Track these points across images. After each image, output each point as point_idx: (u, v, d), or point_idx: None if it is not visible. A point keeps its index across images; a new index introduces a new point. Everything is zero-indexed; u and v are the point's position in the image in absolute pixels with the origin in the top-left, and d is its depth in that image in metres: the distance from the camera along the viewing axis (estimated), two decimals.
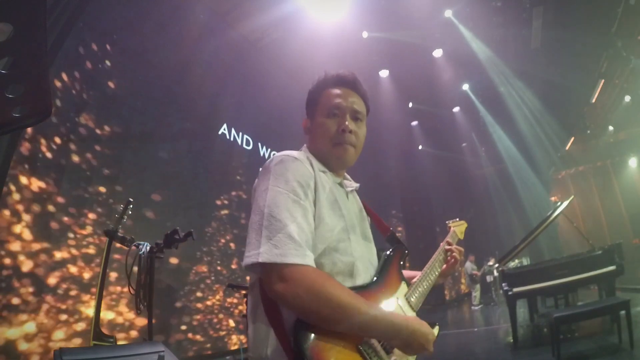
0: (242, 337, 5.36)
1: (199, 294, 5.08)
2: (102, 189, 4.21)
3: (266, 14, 6.12)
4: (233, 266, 5.69)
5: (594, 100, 9.97)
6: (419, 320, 0.94)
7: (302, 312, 0.81)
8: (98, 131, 4.28)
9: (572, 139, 12.54)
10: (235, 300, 5.50)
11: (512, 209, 14.78)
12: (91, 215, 4.05)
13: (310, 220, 0.90)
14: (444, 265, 1.28)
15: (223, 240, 5.69)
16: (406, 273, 1.18)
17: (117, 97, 4.57)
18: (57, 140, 3.85)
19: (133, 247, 2.68)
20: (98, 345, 2.40)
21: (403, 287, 1.07)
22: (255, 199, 0.92)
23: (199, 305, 5.05)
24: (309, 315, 0.80)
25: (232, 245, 5.77)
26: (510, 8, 7.08)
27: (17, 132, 3.34)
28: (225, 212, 5.84)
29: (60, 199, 3.79)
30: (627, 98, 9.37)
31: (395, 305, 1.00)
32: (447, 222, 1.54)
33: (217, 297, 5.34)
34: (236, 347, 5.24)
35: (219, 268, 5.49)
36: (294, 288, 0.79)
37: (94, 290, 3.58)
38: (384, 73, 8.87)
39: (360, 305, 0.83)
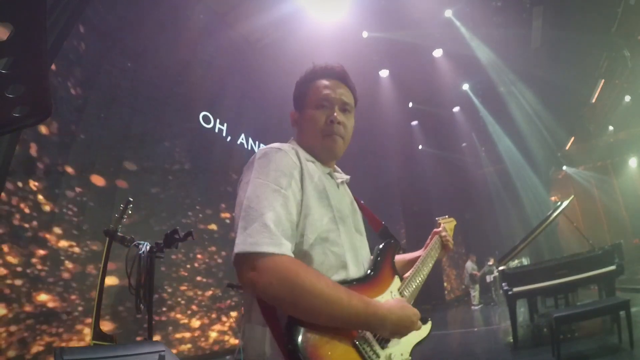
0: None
1: (197, 292, 5.08)
2: (101, 189, 4.21)
3: (266, 14, 6.12)
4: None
5: (594, 100, 9.97)
6: (400, 304, 0.92)
7: (278, 303, 0.79)
8: (98, 131, 4.28)
9: (572, 139, 12.53)
10: (235, 300, 5.50)
11: (512, 209, 14.77)
12: (91, 214, 4.05)
13: (292, 209, 0.87)
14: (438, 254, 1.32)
15: (222, 236, 5.69)
16: (401, 257, 1.20)
17: (117, 97, 4.57)
18: (56, 140, 3.85)
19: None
20: (98, 344, 2.40)
21: (396, 281, 1.07)
22: (238, 193, 0.91)
23: (198, 303, 5.05)
24: (286, 306, 0.78)
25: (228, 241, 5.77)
26: (510, 8, 7.08)
27: (17, 132, 3.34)
28: (224, 210, 5.83)
29: (60, 199, 3.79)
30: (627, 98, 9.36)
31: (389, 299, 0.99)
32: (436, 218, 1.55)
33: (216, 295, 5.34)
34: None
35: (216, 266, 5.49)
36: (266, 277, 0.76)
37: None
38: (384, 73, 8.86)
39: (340, 295, 0.80)
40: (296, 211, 0.89)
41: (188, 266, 5.05)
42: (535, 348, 4.33)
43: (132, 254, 2.64)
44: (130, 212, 2.81)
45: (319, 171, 1.01)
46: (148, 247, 2.61)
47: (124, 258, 2.61)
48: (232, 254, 0.81)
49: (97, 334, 2.45)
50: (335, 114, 1.03)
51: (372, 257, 1.08)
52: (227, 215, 5.88)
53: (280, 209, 0.85)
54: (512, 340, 4.52)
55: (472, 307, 10.29)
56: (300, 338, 0.76)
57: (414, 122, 11.90)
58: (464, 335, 6.56)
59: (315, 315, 0.78)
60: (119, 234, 2.69)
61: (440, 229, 1.39)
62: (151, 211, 4.68)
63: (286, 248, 0.81)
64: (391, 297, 1.00)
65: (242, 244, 0.79)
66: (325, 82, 1.07)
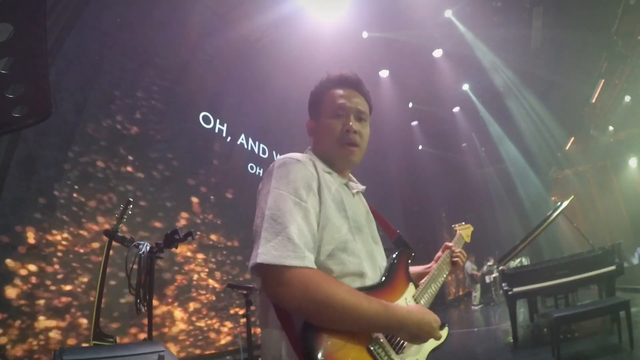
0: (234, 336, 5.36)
1: (197, 292, 5.08)
2: (101, 189, 4.21)
3: (266, 14, 6.12)
4: (231, 264, 5.69)
5: (594, 100, 9.97)
6: (421, 309, 0.94)
7: (302, 314, 0.81)
8: (98, 131, 4.28)
9: (572, 139, 12.53)
10: (235, 300, 5.50)
11: (512, 209, 14.79)
12: (91, 214, 4.04)
13: (312, 221, 0.89)
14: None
15: (222, 237, 5.69)
16: (412, 269, 1.19)
17: (117, 98, 4.57)
18: (55, 140, 3.84)
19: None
20: (98, 345, 2.40)
21: (411, 288, 1.08)
22: (258, 203, 0.92)
23: (197, 303, 5.05)
24: (309, 316, 0.80)
25: (229, 242, 5.77)
26: (510, 8, 7.08)
27: (17, 132, 3.34)
28: (224, 209, 5.83)
29: (61, 199, 3.79)
30: (627, 98, 9.36)
31: (403, 305, 1.00)
32: (453, 225, 1.58)
33: (216, 295, 5.33)
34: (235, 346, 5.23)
35: (216, 266, 5.49)
36: (291, 290, 0.79)
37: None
38: (384, 73, 8.87)
39: (360, 301, 0.83)
40: (315, 222, 0.90)
41: (188, 265, 5.05)
42: (535, 348, 4.33)
43: (132, 254, 2.64)
44: (130, 212, 2.81)
45: (336, 182, 1.03)
46: (148, 247, 2.61)
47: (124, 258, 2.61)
48: (253, 262, 0.82)
49: (97, 334, 2.45)
50: (350, 122, 1.05)
51: (387, 264, 1.08)
52: (225, 211, 5.87)
53: (302, 221, 0.87)
54: (512, 340, 4.52)
55: (473, 307, 10.29)
56: (315, 343, 0.78)
57: (414, 122, 11.90)
58: (464, 335, 6.57)
59: (338, 322, 0.81)
60: (118, 234, 2.69)
61: (451, 244, 1.38)
62: (150, 211, 4.68)
63: (309, 261, 0.83)
64: (406, 304, 1.01)
65: (266, 254, 0.81)
66: (340, 91, 1.08)
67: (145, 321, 2.55)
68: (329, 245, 0.91)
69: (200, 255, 5.25)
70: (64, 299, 3.61)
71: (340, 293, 0.81)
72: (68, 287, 3.67)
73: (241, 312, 5.24)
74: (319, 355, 0.76)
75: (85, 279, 3.81)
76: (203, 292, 5.16)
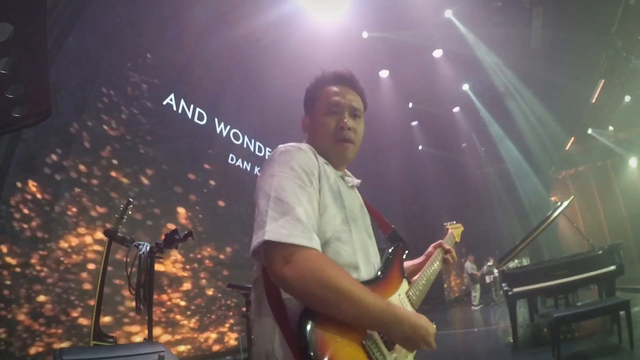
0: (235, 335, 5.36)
1: (197, 292, 5.08)
2: (101, 189, 4.21)
3: (266, 14, 6.12)
4: (229, 257, 5.69)
5: (594, 100, 9.97)
6: (419, 315, 0.94)
7: (305, 296, 0.80)
8: (98, 132, 4.28)
9: (572, 139, 12.53)
10: (235, 299, 5.50)
11: (512, 209, 14.79)
12: (92, 213, 4.04)
13: (315, 206, 0.90)
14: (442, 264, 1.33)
15: (222, 236, 5.69)
16: (405, 264, 1.21)
17: (116, 97, 4.57)
18: (55, 140, 3.84)
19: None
20: (98, 345, 2.40)
21: (404, 284, 1.08)
22: (260, 186, 0.91)
23: (197, 303, 5.05)
24: (311, 299, 0.79)
25: (229, 241, 5.77)
26: (510, 8, 7.08)
27: (17, 132, 3.34)
28: (225, 209, 5.83)
29: (59, 199, 3.79)
30: (627, 98, 9.35)
31: (397, 301, 1.01)
32: (444, 223, 1.59)
33: (215, 294, 5.33)
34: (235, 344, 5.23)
35: (217, 265, 5.49)
36: (300, 270, 0.78)
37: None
38: (384, 73, 8.87)
39: (366, 294, 0.82)
40: (317, 208, 0.91)
41: (188, 266, 5.05)
42: (535, 348, 4.34)
43: (132, 254, 2.64)
44: (130, 212, 2.81)
45: (333, 173, 1.04)
46: (148, 248, 2.61)
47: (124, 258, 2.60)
48: (259, 241, 0.81)
49: (97, 334, 2.45)
50: (345, 119, 1.06)
51: (381, 259, 1.09)
52: (225, 210, 5.87)
53: (307, 204, 0.87)
54: (512, 340, 4.52)
55: (472, 308, 10.28)
56: (309, 335, 0.77)
57: (414, 122, 11.90)
58: (464, 335, 6.57)
59: (342, 311, 0.80)
60: (118, 234, 2.69)
61: (444, 242, 1.39)
62: (150, 211, 4.68)
63: (316, 243, 0.83)
64: (399, 300, 1.02)
65: (274, 232, 0.80)
66: (334, 88, 1.09)
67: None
68: (326, 233, 0.91)
69: (199, 254, 5.24)
70: (67, 297, 3.60)
71: (346, 282, 0.80)
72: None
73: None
74: (315, 350, 0.75)
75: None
76: (204, 291, 5.15)
